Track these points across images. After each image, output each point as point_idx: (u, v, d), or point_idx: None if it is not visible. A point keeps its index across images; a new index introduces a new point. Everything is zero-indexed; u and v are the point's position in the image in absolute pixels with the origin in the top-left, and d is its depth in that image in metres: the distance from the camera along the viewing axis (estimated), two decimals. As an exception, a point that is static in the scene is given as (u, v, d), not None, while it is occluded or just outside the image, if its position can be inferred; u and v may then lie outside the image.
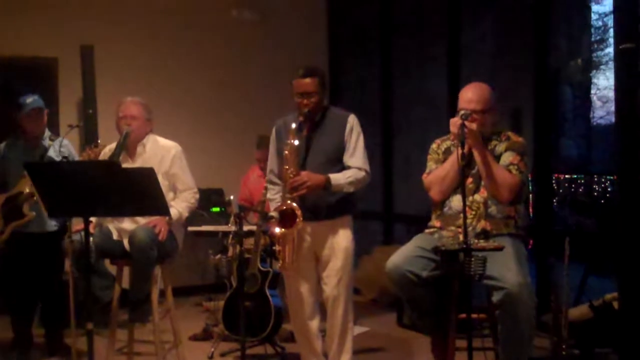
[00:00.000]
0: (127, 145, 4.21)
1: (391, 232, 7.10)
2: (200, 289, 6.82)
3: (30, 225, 4.70)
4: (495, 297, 3.38)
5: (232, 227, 5.36)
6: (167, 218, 4.02)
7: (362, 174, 3.97)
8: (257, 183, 5.67)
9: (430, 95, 6.92)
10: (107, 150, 4.29)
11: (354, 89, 7.71)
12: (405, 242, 3.83)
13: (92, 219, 4.00)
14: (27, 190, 4.67)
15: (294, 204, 3.78)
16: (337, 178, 3.89)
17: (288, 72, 7.34)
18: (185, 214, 4.27)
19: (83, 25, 6.59)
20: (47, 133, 4.90)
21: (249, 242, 4.98)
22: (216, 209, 6.70)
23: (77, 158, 4.87)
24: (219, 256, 5.32)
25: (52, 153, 4.78)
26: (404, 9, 7.04)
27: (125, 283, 4.20)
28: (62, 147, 4.87)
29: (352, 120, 4.04)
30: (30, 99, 4.79)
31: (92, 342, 3.37)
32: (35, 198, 4.67)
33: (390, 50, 7.10)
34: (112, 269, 4.36)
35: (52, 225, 4.79)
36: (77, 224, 4.50)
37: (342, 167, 3.98)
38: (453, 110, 3.77)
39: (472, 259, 3.23)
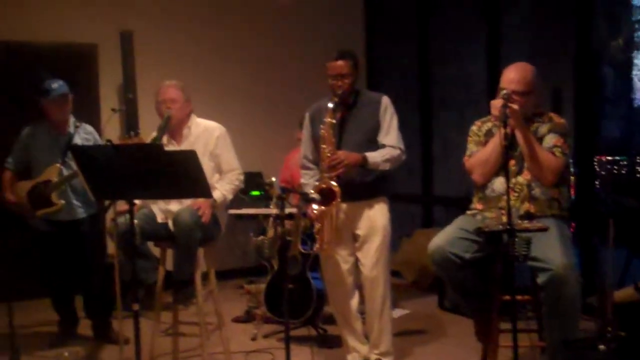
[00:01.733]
0: (171, 129, 4.25)
1: (431, 215, 7.07)
2: (241, 271, 6.89)
3: (60, 213, 4.79)
4: (540, 278, 3.35)
5: (273, 210, 5.39)
6: (211, 200, 4.05)
7: (397, 151, 4.01)
8: (297, 166, 5.66)
9: (468, 77, 6.85)
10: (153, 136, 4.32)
11: (391, 72, 7.66)
12: (445, 225, 3.81)
13: (136, 201, 4.05)
14: (55, 178, 4.75)
15: (333, 183, 3.81)
16: (374, 156, 3.93)
17: (325, 55, 7.39)
18: (230, 197, 4.29)
19: (122, 11, 6.66)
20: (72, 120, 4.93)
21: (289, 225, 5.00)
22: (256, 193, 6.72)
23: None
24: (261, 237, 5.35)
25: (77, 140, 4.84)
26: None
27: (169, 265, 4.26)
28: (87, 134, 4.93)
29: (386, 100, 4.09)
30: (56, 85, 4.81)
31: (139, 323, 3.43)
32: (64, 187, 4.76)
33: (428, 32, 7.04)
34: (155, 251, 4.39)
35: (81, 212, 4.89)
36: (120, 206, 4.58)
37: (376, 147, 4.01)
38: (492, 92, 3.73)
39: (516, 240, 3.21)
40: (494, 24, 6.13)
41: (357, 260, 4.14)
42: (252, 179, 6.72)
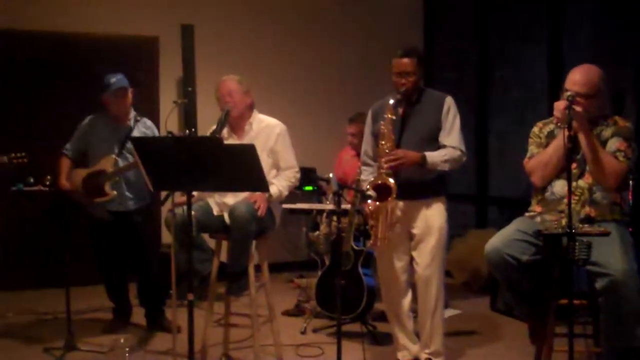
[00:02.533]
0: (233, 122, 4.30)
1: (485, 215, 7.00)
2: (291, 265, 6.94)
3: (112, 203, 4.88)
4: (599, 283, 3.29)
5: (327, 205, 5.40)
6: (267, 194, 4.09)
7: (457, 152, 3.96)
8: (351, 163, 5.66)
9: (527, 77, 6.75)
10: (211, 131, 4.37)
11: (449, 70, 7.60)
12: (500, 226, 3.77)
13: (194, 193, 4.10)
14: (110, 169, 4.84)
15: (390, 179, 3.80)
16: (433, 156, 3.89)
17: (381, 53, 7.37)
18: (285, 193, 4.32)
19: (184, 4, 6.76)
20: (132, 113, 5.02)
21: (343, 221, 5.00)
22: (309, 188, 6.76)
23: None
24: (317, 233, 5.37)
25: (136, 133, 4.92)
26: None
27: (224, 257, 4.30)
28: (146, 128, 5.01)
29: (449, 101, 4.04)
30: (114, 79, 4.89)
31: (193, 313, 3.48)
32: (117, 178, 4.84)
33: (488, 31, 6.96)
34: (210, 242, 4.45)
35: (132, 204, 4.98)
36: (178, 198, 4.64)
37: (437, 147, 3.97)
38: (552, 93, 3.67)
39: (577, 244, 3.15)
40: (556, 24, 6.03)
41: (412, 258, 4.11)
42: (306, 175, 6.74)
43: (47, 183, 4.59)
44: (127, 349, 3.40)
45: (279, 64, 7.15)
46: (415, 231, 4.05)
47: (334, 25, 7.42)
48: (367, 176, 4.17)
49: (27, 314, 5.53)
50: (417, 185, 3.97)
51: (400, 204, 3.97)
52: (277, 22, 7.19)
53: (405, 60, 3.96)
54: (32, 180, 4.82)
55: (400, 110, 4.00)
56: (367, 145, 4.23)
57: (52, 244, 5.30)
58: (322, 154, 6.66)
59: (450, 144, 3.96)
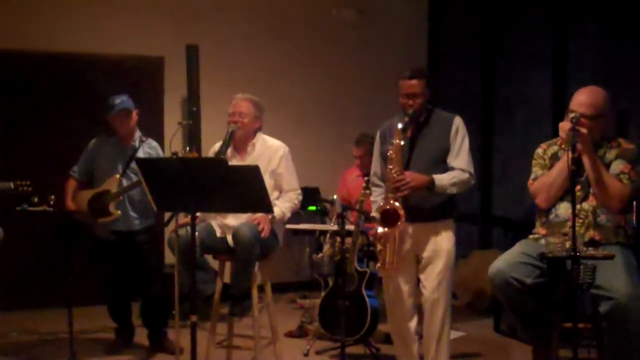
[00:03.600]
0: (237, 143, 4.31)
1: (489, 236, 6.99)
2: (294, 285, 6.92)
3: (117, 223, 4.89)
4: (603, 307, 3.28)
5: (330, 226, 5.40)
6: (270, 216, 4.09)
7: (466, 175, 3.92)
8: (355, 183, 5.67)
9: (532, 98, 6.77)
10: (213, 150, 4.39)
11: (453, 90, 7.62)
12: (504, 247, 3.76)
13: (198, 214, 4.10)
14: (114, 190, 4.86)
15: (397, 204, 3.76)
16: (441, 179, 3.85)
17: (387, 72, 7.41)
18: (288, 214, 4.33)
19: (189, 25, 6.79)
20: (137, 134, 5.04)
21: (347, 242, 4.99)
22: (312, 208, 6.75)
23: None
24: (321, 255, 5.35)
25: (141, 154, 4.94)
26: (508, 10, 6.91)
27: (227, 278, 4.29)
28: (151, 149, 5.03)
29: (458, 121, 4.00)
30: (119, 100, 4.92)
31: (196, 334, 3.46)
32: (121, 198, 4.85)
33: (492, 51, 6.99)
34: (214, 263, 4.44)
35: (137, 224, 4.99)
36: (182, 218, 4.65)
37: (446, 169, 3.94)
38: (558, 114, 3.67)
39: (581, 267, 3.14)
40: (560, 45, 6.06)
41: (418, 281, 4.07)
42: (310, 195, 6.75)
43: (51, 203, 4.59)
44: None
45: (284, 83, 7.16)
46: (422, 254, 4.00)
47: (339, 45, 7.45)
48: (376, 197, 4.13)
49: (30, 334, 5.52)
50: (425, 208, 3.92)
51: (409, 227, 3.94)
52: (281, 42, 7.21)
53: (413, 81, 3.92)
54: (36, 200, 4.83)
55: (409, 132, 3.96)
56: (376, 166, 4.20)
57: (55, 264, 5.31)
58: (326, 174, 6.67)
59: (459, 166, 3.92)
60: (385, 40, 7.55)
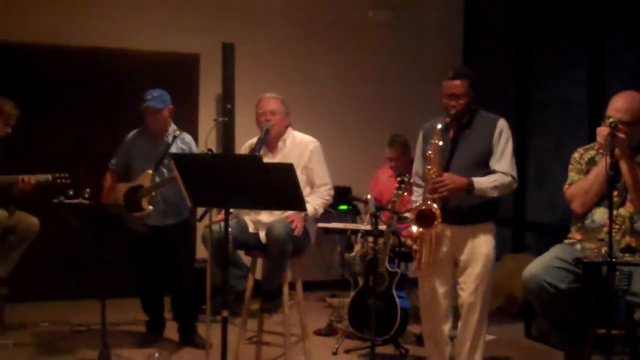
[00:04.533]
0: (268, 140, 4.32)
1: (521, 240, 6.92)
2: (324, 284, 6.92)
3: (150, 218, 4.93)
4: (638, 314, 3.25)
5: (362, 225, 5.40)
6: (303, 213, 4.09)
7: (507, 179, 3.85)
8: (387, 183, 5.67)
9: (567, 101, 6.69)
10: (247, 146, 4.42)
11: (486, 91, 7.56)
12: (536, 251, 3.73)
13: (231, 210, 4.12)
14: (147, 185, 4.90)
15: (434, 205, 3.74)
16: (481, 182, 3.79)
17: (420, 73, 7.39)
18: (320, 211, 4.33)
19: (225, 23, 6.84)
20: (172, 128, 5.08)
21: (379, 242, 4.98)
22: (343, 207, 6.75)
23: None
24: (353, 253, 5.35)
25: (174, 149, 4.98)
26: (544, 9, 6.84)
27: (259, 274, 4.32)
28: (184, 144, 5.06)
29: (502, 124, 3.94)
30: (150, 96, 4.95)
31: (226, 329, 3.48)
32: (153, 194, 4.90)
33: (528, 53, 6.93)
34: (246, 259, 4.47)
35: (169, 219, 5.03)
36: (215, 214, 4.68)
37: (488, 172, 3.87)
38: (593, 118, 3.63)
39: (617, 273, 3.10)
40: (597, 48, 5.98)
41: (456, 283, 4.03)
42: (341, 194, 6.75)
43: (86, 196, 4.66)
44: (161, 364, 3.41)
45: (318, 82, 7.18)
46: (460, 257, 3.96)
47: (373, 45, 7.44)
48: (417, 197, 4.08)
49: (62, 325, 5.59)
50: (465, 210, 3.87)
51: (447, 229, 3.91)
52: (316, 42, 7.23)
53: (457, 82, 3.88)
54: (71, 193, 4.91)
55: (451, 133, 3.93)
56: (418, 166, 4.15)
57: (89, 256, 5.37)
58: (358, 173, 6.66)
59: (501, 170, 3.85)
60: (420, 40, 7.53)
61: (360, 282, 5.16)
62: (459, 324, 4.03)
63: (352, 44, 7.38)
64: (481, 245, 3.92)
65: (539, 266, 3.51)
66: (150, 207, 4.91)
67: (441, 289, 4.01)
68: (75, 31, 6.45)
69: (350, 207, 6.69)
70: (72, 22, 6.46)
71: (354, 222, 6.49)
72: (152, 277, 5.13)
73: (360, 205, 6.31)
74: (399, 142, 5.61)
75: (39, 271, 6.15)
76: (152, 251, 5.04)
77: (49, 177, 5.02)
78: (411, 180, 4.30)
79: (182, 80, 6.76)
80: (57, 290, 6.36)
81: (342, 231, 5.80)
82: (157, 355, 3.52)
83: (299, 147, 4.35)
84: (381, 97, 7.43)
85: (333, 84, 7.28)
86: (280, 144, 4.37)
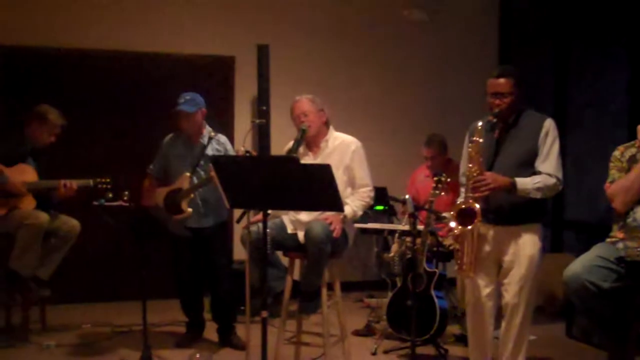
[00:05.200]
0: (309, 140, 4.34)
1: (560, 239, 6.85)
2: (361, 285, 6.92)
3: (190, 220, 4.98)
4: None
5: (399, 226, 5.39)
6: (342, 215, 4.09)
7: (552, 180, 3.76)
8: (424, 183, 5.65)
9: (605, 99, 6.60)
10: (287, 149, 4.42)
11: (524, 90, 7.50)
12: (576, 250, 3.68)
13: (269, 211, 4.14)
14: (185, 187, 4.94)
15: (476, 205, 3.70)
16: (524, 182, 3.72)
17: (457, 72, 7.34)
18: (360, 213, 4.31)
19: (260, 25, 6.88)
20: (207, 130, 5.11)
21: (416, 242, 4.96)
22: (380, 207, 6.73)
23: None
24: (392, 254, 5.33)
25: (209, 150, 5.02)
26: (582, 9, 6.76)
27: (297, 275, 4.33)
28: (219, 145, 5.10)
29: (549, 124, 3.85)
30: (182, 99, 5.00)
31: (266, 330, 3.50)
32: (192, 195, 4.94)
33: (566, 52, 6.85)
34: (284, 260, 4.48)
35: (208, 221, 5.07)
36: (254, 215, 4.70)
37: (533, 173, 3.80)
38: (633, 117, 3.57)
39: (661, 273, 3.06)
40: (636, 46, 5.89)
41: (500, 284, 3.97)
42: (378, 194, 6.72)
43: (125, 198, 4.72)
44: (202, 364, 3.45)
45: (353, 82, 7.18)
46: (504, 258, 3.90)
47: (408, 44, 7.42)
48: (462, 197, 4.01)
49: (103, 326, 5.67)
50: (508, 210, 3.81)
51: (491, 230, 3.86)
52: (351, 42, 7.24)
53: (501, 80, 3.82)
54: (111, 195, 4.98)
55: (496, 132, 3.89)
56: (464, 166, 4.05)
57: (130, 258, 5.44)
58: (394, 174, 6.63)
59: (546, 171, 3.77)
60: (455, 39, 7.48)
61: (398, 283, 5.15)
62: (502, 324, 3.98)
63: (388, 44, 7.36)
64: (526, 247, 3.85)
65: (581, 265, 3.48)
66: (190, 210, 4.95)
67: (485, 290, 3.96)
68: (114, 36, 6.55)
69: (387, 207, 6.67)
70: (111, 27, 6.55)
71: (390, 222, 6.47)
72: (191, 279, 5.18)
73: (397, 206, 6.29)
74: (437, 141, 5.59)
75: (81, 273, 6.24)
76: (192, 253, 5.09)
77: (90, 182, 5.11)
78: (449, 180, 4.27)
79: (218, 82, 6.82)
80: (99, 291, 6.45)
81: (378, 232, 5.78)
82: (198, 355, 3.57)
83: (340, 148, 4.34)
84: (417, 97, 7.40)
85: (368, 84, 7.28)
86: (322, 144, 4.37)
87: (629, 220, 3.57)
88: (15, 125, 5.31)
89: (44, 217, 5.02)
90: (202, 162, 5.00)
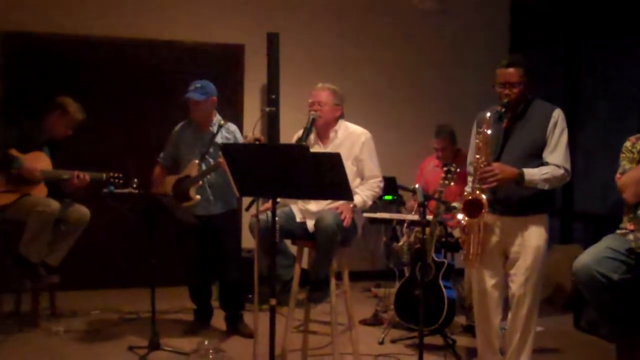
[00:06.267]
0: (318, 130, 4.33)
1: (569, 231, 6.83)
2: (368, 274, 6.92)
3: (198, 207, 4.99)
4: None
5: (408, 216, 5.38)
6: (351, 204, 4.09)
7: (560, 171, 3.73)
8: (433, 173, 5.64)
9: (615, 90, 6.57)
10: (296, 138, 4.41)
11: (535, 81, 7.46)
12: (585, 242, 3.67)
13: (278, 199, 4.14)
14: (194, 174, 4.95)
15: (483, 195, 3.68)
16: (532, 173, 3.69)
17: (467, 63, 7.30)
18: (369, 202, 4.30)
19: (270, 13, 6.86)
20: (217, 118, 5.11)
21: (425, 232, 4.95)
22: (388, 197, 6.72)
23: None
24: (401, 243, 5.33)
25: (219, 138, 5.02)
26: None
27: (305, 263, 4.32)
28: (229, 133, 5.10)
29: (558, 114, 3.81)
30: (192, 87, 4.99)
31: (274, 318, 3.50)
32: (200, 183, 4.94)
33: (578, 42, 6.81)
34: (293, 248, 4.48)
35: (217, 208, 5.08)
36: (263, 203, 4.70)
37: (541, 163, 3.77)
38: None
39: (672, 265, 3.04)
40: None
41: (507, 275, 3.95)
42: (387, 184, 6.71)
43: (135, 186, 4.73)
44: (210, 351, 3.45)
45: (363, 72, 7.17)
46: (510, 249, 3.88)
47: (420, 37, 7.40)
48: (469, 187, 3.97)
49: (112, 313, 5.70)
50: (515, 201, 3.79)
51: (498, 221, 3.85)
52: (361, 31, 7.22)
53: (510, 70, 3.79)
54: (121, 182, 5.00)
55: (504, 122, 3.86)
56: (471, 156, 4.02)
57: (138, 245, 5.45)
58: (403, 164, 6.61)
59: (554, 162, 3.74)
60: (465, 29, 7.46)
61: (406, 272, 5.14)
62: (509, 315, 3.97)
63: (398, 33, 7.34)
64: (532, 237, 3.83)
65: (591, 257, 3.46)
66: (198, 197, 4.96)
67: (491, 281, 3.95)
68: (125, 24, 6.56)
69: (395, 197, 6.66)
70: (123, 15, 6.56)
71: (399, 212, 6.46)
72: (199, 267, 5.19)
73: (406, 195, 6.28)
74: (446, 132, 5.56)
75: (90, 260, 6.27)
76: (200, 241, 5.09)
77: (103, 175, 5.13)
78: (458, 170, 4.25)
79: (228, 71, 6.81)
80: (108, 278, 6.48)
81: (387, 221, 5.77)
82: (206, 343, 3.57)
83: (350, 138, 4.33)
84: (426, 87, 7.39)
85: (378, 74, 7.26)
86: (331, 134, 4.35)
87: (639, 211, 3.55)
88: (31, 113, 5.31)
89: (55, 204, 5.04)
90: (211, 150, 5.00)
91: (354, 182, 4.17)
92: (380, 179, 4.36)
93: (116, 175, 5.10)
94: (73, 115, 5.23)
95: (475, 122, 4.04)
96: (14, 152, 5.03)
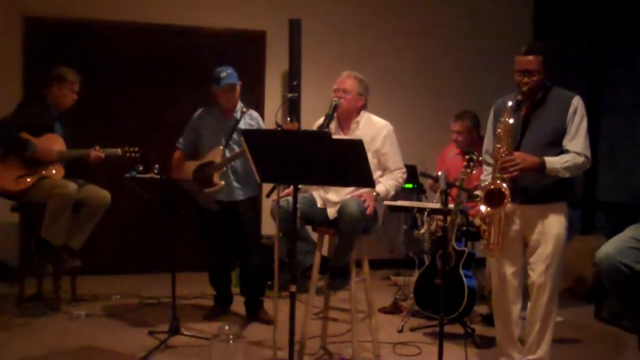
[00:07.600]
0: (340, 118, 4.31)
1: (591, 221, 6.77)
2: (388, 263, 6.91)
3: (220, 193, 4.99)
4: None
5: (430, 204, 5.36)
6: (374, 193, 4.07)
7: (581, 159, 3.72)
8: (454, 161, 5.59)
9: (638, 79, 6.49)
10: (318, 125, 4.39)
11: (557, 68, 7.37)
12: (607, 232, 3.62)
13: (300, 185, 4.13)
14: (218, 161, 4.95)
15: (504, 184, 3.65)
16: (553, 162, 3.67)
17: (490, 50, 7.24)
18: (392, 192, 4.29)
19: (292, -1, 6.84)
20: (239, 105, 5.11)
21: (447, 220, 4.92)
22: (409, 185, 6.68)
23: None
24: (422, 231, 5.31)
25: (242, 125, 5.02)
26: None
27: (325, 250, 4.32)
28: (252, 119, 5.10)
29: (577, 101, 3.78)
30: (225, 74, 4.98)
31: (294, 305, 3.50)
32: (224, 169, 4.94)
33: (600, 31, 6.73)
34: (314, 234, 4.48)
35: (240, 194, 5.08)
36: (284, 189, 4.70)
37: (561, 151, 3.75)
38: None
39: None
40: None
41: (526, 264, 3.94)
42: (408, 172, 6.68)
43: (155, 171, 4.74)
44: (231, 337, 3.45)
45: (384, 58, 7.13)
46: (531, 237, 3.86)
47: (442, 24, 7.36)
48: (487, 176, 3.98)
49: (132, 297, 5.73)
50: (535, 190, 3.77)
51: (517, 209, 3.82)
52: (383, 17, 7.19)
53: (530, 57, 3.74)
54: (142, 168, 5.01)
55: (523, 110, 3.82)
56: (488, 144, 4.02)
57: (159, 230, 5.49)
58: (423, 152, 6.58)
59: (574, 149, 3.72)
60: (489, 16, 7.40)
61: (426, 261, 5.13)
62: (529, 304, 3.95)
63: (419, 19, 7.30)
64: (552, 225, 3.81)
65: (613, 247, 3.41)
66: (222, 183, 4.97)
67: (511, 269, 3.93)
68: (146, 9, 6.57)
69: (416, 185, 6.63)
70: (143, 0, 6.55)
71: (419, 200, 6.44)
72: (220, 252, 5.20)
73: (427, 183, 6.24)
74: (468, 116, 5.47)
75: (111, 245, 6.31)
76: (221, 227, 5.10)
77: (119, 150, 5.16)
78: (480, 158, 4.22)
79: (249, 57, 6.81)
80: (128, 263, 6.53)
81: (407, 210, 5.75)
82: (227, 327, 3.58)
83: (371, 131, 4.30)
84: (448, 74, 7.35)
85: (399, 60, 7.23)
86: (353, 125, 4.33)
87: (664, 201, 3.51)
88: (37, 96, 5.33)
89: (72, 186, 5.06)
90: (235, 136, 5.00)
91: (374, 174, 4.14)
92: (404, 170, 4.37)
93: (132, 149, 5.11)
94: (72, 80, 5.24)
95: (492, 110, 4.02)
96: (25, 135, 5.06)
